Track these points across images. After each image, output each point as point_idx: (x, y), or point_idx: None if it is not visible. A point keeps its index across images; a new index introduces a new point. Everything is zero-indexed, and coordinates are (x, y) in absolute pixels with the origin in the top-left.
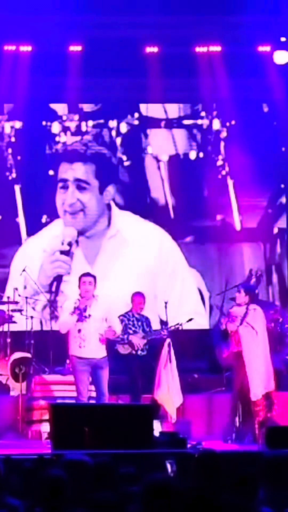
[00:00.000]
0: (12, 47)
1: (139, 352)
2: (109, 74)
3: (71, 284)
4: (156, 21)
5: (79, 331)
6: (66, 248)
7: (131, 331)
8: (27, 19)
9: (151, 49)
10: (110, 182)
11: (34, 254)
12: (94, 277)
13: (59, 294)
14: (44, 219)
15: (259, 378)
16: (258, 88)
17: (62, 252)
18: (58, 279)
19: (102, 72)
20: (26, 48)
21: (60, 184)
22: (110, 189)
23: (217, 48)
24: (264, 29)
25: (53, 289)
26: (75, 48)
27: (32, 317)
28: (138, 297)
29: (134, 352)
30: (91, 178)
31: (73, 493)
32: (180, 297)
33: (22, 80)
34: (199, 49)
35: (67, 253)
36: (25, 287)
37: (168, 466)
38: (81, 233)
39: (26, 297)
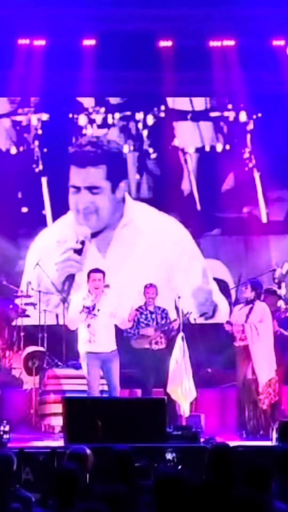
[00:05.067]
0: (26, 41)
1: (153, 346)
2: (129, 68)
3: (82, 279)
4: (170, 15)
5: (88, 325)
6: (79, 246)
7: (143, 325)
8: (41, 13)
9: (165, 43)
10: (122, 179)
11: (48, 245)
12: (103, 272)
13: (71, 293)
14: None
15: (262, 368)
16: (286, 81)
17: (75, 251)
18: (70, 278)
19: (120, 66)
20: (40, 42)
21: (72, 190)
22: (122, 185)
23: (230, 43)
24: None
25: (66, 287)
26: (89, 42)
27: (45, 311)
28: (148, 289)
29: (148, 346)
30: (102, 181)
31: (85, 485)
32: (194, 290)
33: (47, 73)
34: (213, 43)
35: (79, 252)
36: (38, 285)
37: (171, 456)
38: (94, 232)
39: (40, 291)
